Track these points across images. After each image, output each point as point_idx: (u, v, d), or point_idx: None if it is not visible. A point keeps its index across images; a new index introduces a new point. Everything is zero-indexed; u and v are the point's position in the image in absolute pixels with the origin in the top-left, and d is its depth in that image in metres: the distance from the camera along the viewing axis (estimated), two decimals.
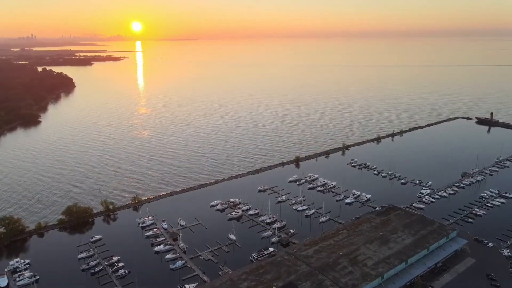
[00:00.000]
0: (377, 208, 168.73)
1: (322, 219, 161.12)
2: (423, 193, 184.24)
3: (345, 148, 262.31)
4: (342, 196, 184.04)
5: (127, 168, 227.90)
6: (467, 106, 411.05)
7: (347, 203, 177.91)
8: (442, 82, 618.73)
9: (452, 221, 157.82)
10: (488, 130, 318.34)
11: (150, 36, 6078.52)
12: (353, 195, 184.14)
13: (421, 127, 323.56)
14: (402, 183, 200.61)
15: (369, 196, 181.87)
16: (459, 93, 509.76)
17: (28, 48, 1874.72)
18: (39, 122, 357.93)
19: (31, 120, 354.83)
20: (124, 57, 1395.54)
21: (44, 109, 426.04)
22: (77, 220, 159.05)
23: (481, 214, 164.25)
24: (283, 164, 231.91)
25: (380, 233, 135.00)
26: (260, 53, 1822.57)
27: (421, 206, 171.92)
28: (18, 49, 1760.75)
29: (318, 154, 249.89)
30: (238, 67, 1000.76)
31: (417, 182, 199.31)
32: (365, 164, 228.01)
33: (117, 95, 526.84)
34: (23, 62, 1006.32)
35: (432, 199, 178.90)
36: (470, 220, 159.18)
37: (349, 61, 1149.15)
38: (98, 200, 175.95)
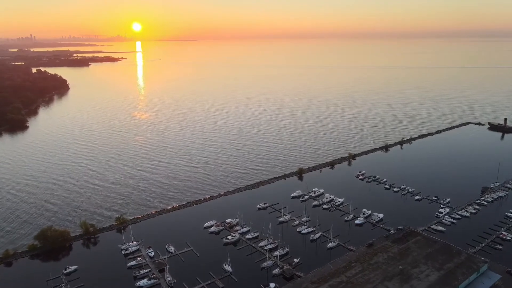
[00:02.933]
0: (392, 231, 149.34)
1: (330, 244, 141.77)
2: (441, 213, 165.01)
3: (351, 157, 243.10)
4: (351, 215, 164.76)
5: (111, 182, 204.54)
6: (477, 111, 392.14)
7: (357, 225, 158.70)
8: (448, 85, 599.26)
9: (479, 247, 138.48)
10: (502, 137, 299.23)
11: (150, 37, 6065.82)
12: (364, 214, 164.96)
13: (431, 134, 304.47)
14: (417, 200, 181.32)
15: (381, 216, 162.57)
16: (467, 96, 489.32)
17: (26, 49, 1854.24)
18: (26, 127, 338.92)
19: (17, 125, 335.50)
20: (122, 58, 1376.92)
21: (34, 113, 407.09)
22: (51, 245, 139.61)
23: (509, 238, 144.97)
24: (284, 176, 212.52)
25: (400, 266, 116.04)
26: (259, 54, 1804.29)
27: (440, 228, 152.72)
28: (16, 50, 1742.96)
29: (323, 165, 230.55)
30: (236, 68, 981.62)
31: (434, 199, 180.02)
32: (374, 177, 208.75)
33: (110, 98, 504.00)
34: (18, 63, 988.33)
35: (452, 220, 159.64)
36: (498, 246, 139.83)
37: (349, 63, 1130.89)
38: (77, 221, 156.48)
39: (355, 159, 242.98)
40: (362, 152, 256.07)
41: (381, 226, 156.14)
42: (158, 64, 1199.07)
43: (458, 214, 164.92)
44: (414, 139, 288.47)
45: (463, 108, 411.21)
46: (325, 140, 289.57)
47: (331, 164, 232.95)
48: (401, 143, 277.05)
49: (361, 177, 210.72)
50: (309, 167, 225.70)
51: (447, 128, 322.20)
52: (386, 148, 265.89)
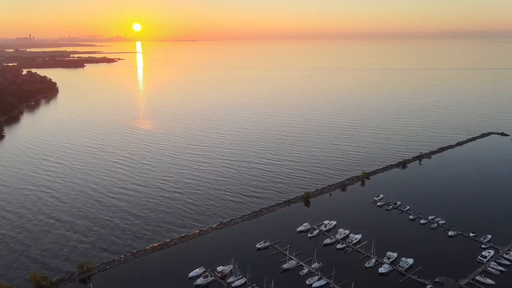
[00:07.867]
0: (428, 286, 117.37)
1: None
2: (485, 257, 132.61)
3: (364, 177, 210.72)
4: (373, 260, 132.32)
5: (75, 215, 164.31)
6: (497, 119, 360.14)
7: (382, 274, 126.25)
8: (461, 89, 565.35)
9: None
10: None
11: (149, 37, 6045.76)
12: (388, 258, 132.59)
13: (451, 146, 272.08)
14: (450, 236, 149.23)
15: (410, 261, 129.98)
16: (485, 102, 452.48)
17: (23, 49, 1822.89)
18: (2, 137, 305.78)
19: None
20: (118, 59, 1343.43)
21: (15, 120, 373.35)
22: None
23: None
24: (288, 202, 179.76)
25: None
26: (258, 55, 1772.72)
27: (489, 281, 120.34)
28: (12, 50, 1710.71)
29: (332, 187, 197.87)
30: (234, 70, 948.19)
31: (471, 235, 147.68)
32: (394, 204, 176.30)
33: (96, 104, 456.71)
34: (11, 64, 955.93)
35: (500, 268, 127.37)
36: None
37: (351, 64, 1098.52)
38: (26, 271, 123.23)
39: (369, 179, 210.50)
40: (377, 169, 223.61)
41: (413, 276, 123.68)
42: (156, 66, 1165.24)
43: (505, 258, 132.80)
44: (433, 152, 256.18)
45: (481, 116, 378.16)
46: (333, 155, 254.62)
47: (342, 185, 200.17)
48: (419, 158, 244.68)
49: (379, 203, 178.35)
50: (316, 190, 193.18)
51: (468, 139, 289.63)
52: (403, 164, 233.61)
